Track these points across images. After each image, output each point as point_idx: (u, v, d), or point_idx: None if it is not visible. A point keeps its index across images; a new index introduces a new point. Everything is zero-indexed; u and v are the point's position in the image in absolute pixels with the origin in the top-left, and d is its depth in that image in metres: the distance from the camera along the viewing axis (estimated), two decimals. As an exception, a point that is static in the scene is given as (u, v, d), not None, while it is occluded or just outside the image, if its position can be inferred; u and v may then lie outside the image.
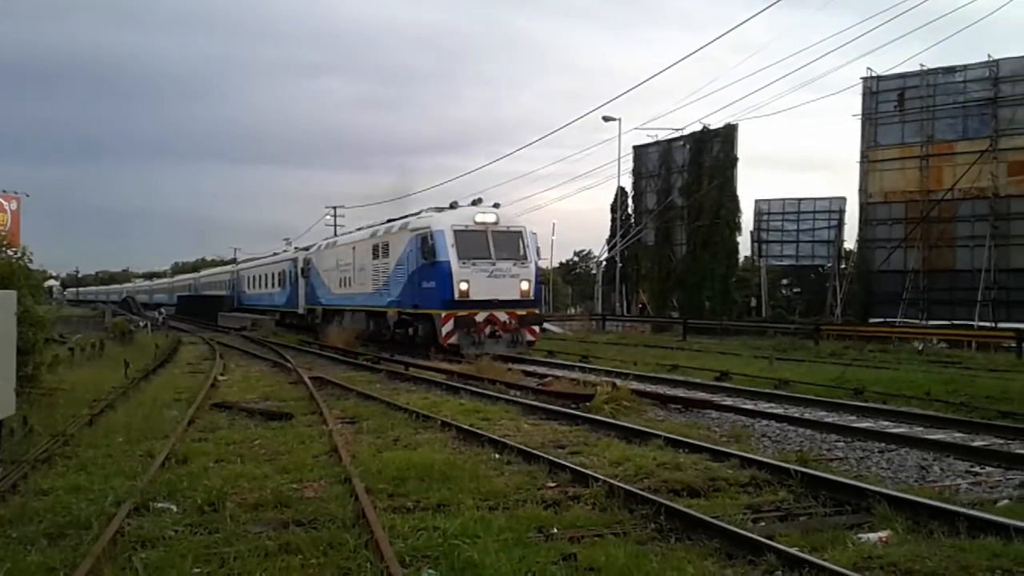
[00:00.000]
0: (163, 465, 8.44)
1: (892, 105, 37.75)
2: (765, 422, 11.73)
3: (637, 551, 5.61)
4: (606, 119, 40.81)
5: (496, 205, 23.76)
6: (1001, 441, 10.09)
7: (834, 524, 6.38)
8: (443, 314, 21.77)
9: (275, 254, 48.58)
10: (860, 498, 6.80)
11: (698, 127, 42.07)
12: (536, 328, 23.21)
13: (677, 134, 43.55)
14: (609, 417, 11.53)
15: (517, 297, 22.45)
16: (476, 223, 22.65)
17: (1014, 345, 25.19)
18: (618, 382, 14.26)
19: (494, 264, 22.30)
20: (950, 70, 36.03)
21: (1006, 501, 7.28)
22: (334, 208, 64.33)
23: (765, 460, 8.27)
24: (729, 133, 41.70)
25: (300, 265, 36.81)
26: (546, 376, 16.92)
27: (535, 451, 8.85)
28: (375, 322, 27.20)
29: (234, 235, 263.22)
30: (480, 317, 21.82)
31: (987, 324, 32.28)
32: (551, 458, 8.46)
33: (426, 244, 22.55)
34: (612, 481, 7.30)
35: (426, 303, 22.79)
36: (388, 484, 7.56)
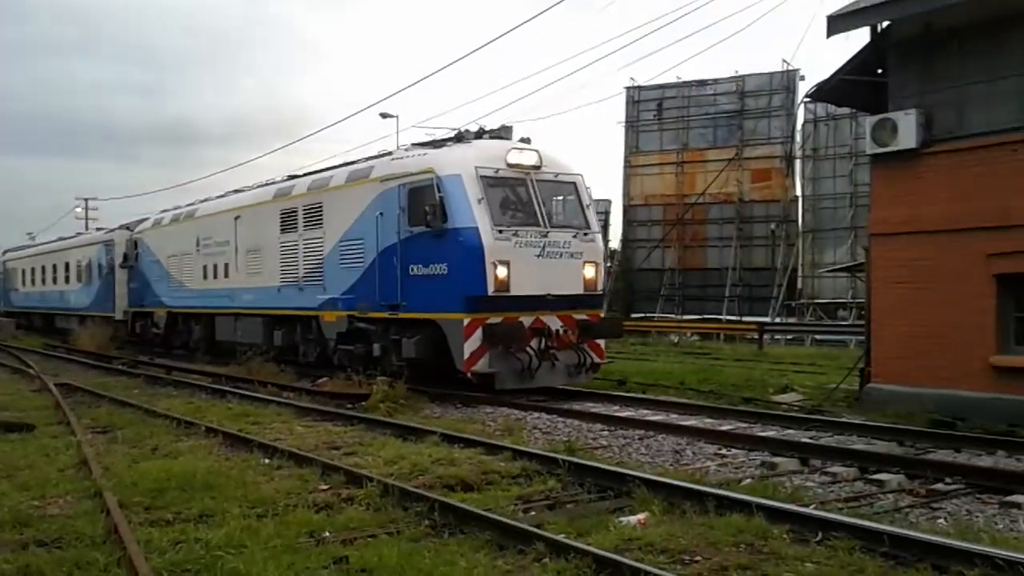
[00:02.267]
0: None
1: (652, 114, 40.35)
2: (536, 415, 12.07)
3: (411, 549, 5.58)
4: (384, 116, 40.43)
5: (526, 139, 15.10)
6: (745, 425, 10.98)
7: (598, 509, 6.68)
8: (466, 320, 12.91)
9: (61, 238, 37.02)
10: (622, 483, 7.15)
11: (475, 127, 42.58)
12: (601, 343, 14.29)
13: (454, 133, 43.85)
14: (386, 416, 11.45)
15: (579, 291, 13.93)
16: (510, 166, 14.01)
17: (756, 336, 27.83)
18: (395, 380, 14.19)
19: (546, 235, 13.72)
20: (703, 83, 39.02)
21: (748, 480, 7.95)
22: (86, 200, 59.07)
23: (535, 451, 8.52)
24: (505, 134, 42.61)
25: (121, 250, 26.82)
26: (321, 376, 16.54)
27: (307, 454, 8.61)
28: (286, 334, 17.57)
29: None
30: (525, 322, 13.26)
31: (733, 317, 35.43)
32: (324, 460, 8.28)
33: (423, 200, 13.49)
34: (386, 480, 7.23)
35: (425, 302, 13.59)
36: (145, 496, 7.06)
